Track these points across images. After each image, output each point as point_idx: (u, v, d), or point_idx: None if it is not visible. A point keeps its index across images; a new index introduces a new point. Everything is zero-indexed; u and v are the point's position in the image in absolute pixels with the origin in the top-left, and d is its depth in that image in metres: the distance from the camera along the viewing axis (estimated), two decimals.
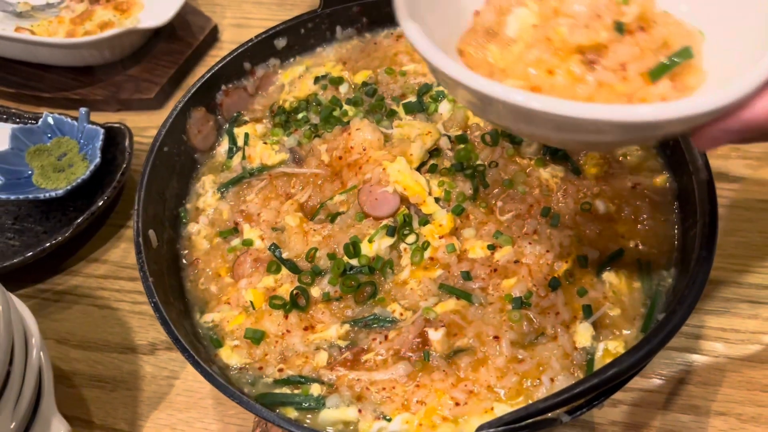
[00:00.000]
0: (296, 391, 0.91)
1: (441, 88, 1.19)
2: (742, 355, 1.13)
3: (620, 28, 0.71)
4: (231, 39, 1.78)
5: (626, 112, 0.61)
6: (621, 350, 0.90)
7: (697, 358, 1.13)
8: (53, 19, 1.68)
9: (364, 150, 1.09)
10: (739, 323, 1.17)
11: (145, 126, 1.58)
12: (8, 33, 1.58)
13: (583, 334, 0.90)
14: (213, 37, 1.77)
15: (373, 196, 1.02)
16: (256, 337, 0.96)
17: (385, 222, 1.01)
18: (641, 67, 0.69)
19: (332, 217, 1.05)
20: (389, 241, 1.00)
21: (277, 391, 0.92)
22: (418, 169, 1.08)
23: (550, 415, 0.76)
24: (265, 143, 1.19)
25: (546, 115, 0.62)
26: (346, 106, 1.19)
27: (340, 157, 1.11)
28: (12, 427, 0.91)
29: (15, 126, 1.44)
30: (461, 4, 0.80)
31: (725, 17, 0.73)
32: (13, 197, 1.31)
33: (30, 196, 1.32)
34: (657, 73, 0.69)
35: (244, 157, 1.18)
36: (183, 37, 1.70)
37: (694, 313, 1.15)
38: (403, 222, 1.01)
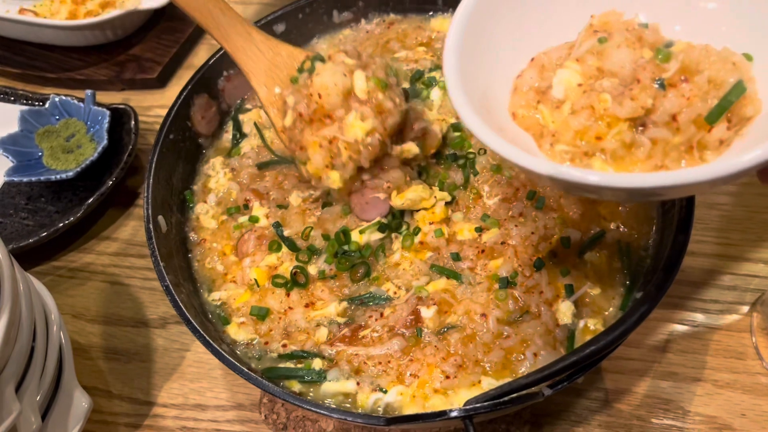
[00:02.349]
0: (299, 366, 0.98)
1: (433, 74, 1.23)
2: (720, 325, 1.19)
3: (662, 84, 0.73)
4: None
5: (654, 179, 0.63)
6: (600, 327, 0.96)
7: (677, 328, 1.20)
8: None
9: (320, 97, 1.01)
10: (719, 294, 1.23)
11: (149, 105, 1.63)
12: (13, 15, 1.61)
13: (565, 312, 0.96)
14: None
15: (364, 199, 1.06)
16: (261, 314, 1.03)
17: (377, 219, 1.06)
18: (691, 115, 0.71)
19: (323, 204, 1.11)
20: (380, 234, 1.05)
21: (282, 365, 0.98)
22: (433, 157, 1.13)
23: (533, 389, 0.83)
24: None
25: (596, 188, 0.66)
26: None
27: (301, 114, 1.03)
28: (38, 399, 0.98)
29: (24, 108, 1.48)
30: (509, 64, 0.83)
31: (764, 36, 0.73)
32: (25, 179, 1.37)
33: (42, 177, 1.37)
34: (713, 117, 0.70)
35: (265, 143, 1.22)
36: (183, 15, 1.72)
37: (677, 285, 1.23)
38: (393, 219, 1.06)
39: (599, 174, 0.67)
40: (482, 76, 0.80)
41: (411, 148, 1.06)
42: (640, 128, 0.73)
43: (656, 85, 0.73)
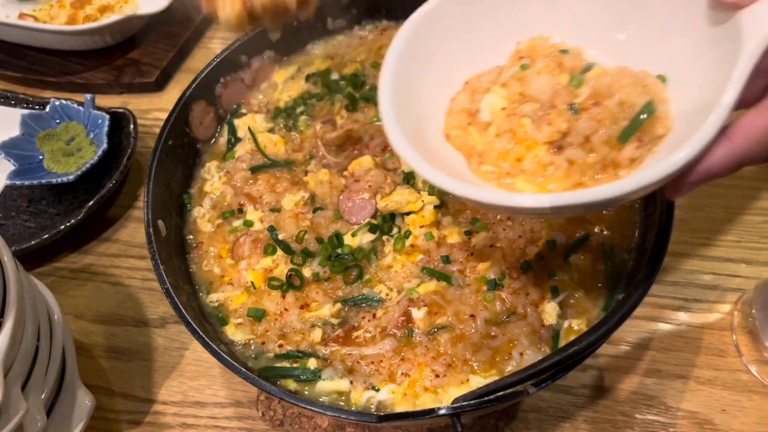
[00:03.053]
0: (295, 365, 1.01)
1: None
2: (702, 323, 1.23)
3: (574, 108, 0.78)
4: None
5: (568, 198, 0.68)
6: (584, 327, 0.99)
7: (661, 326, 1.23)
8: (54, 2, 1.74)
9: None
10: (702, 294, 1.26)
11: (148, 108, 1.66)
12: (13, 20, 1.64)
13: (550, 312, 0.99)
14: (209, 19, 1.81)
15: (351, 202, 1.10)
16: (257, 316, 1.06)
17: (368, 220, 1.10)
18: (603, 137, 0.75)
19: (314, 209, 1.14)
20: (371, 236, 1.09)
21: (278, 365, 1.02)
22: None
23: (518, 387, 0.86)
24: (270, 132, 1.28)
25: (501, 208, 0.72)
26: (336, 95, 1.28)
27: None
28: (43, 397, 1.01)
29: (25, 112, 1.51)
30: (446, 88, 0.89)
31: (681, 59, 0.77)
32: (27, 183, 1.40)
33: (43, 181, 1.41)
34: (624, 137, 0.75)
35: (258, 147, 1.25)
36: (181, 19, 1.77)
37: (661, 285, 1.26)
38: (383, 222, 1.09)
39: (497, 194, 0.72)
40: (419, 100, 0.85)
41: None
42: (558, 150, 0.78)
43: (570, 110, 0.78)
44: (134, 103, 1.67)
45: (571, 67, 0.83)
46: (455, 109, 0.87)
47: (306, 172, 1.19)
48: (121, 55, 1.71)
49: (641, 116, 0.75)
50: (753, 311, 1.16)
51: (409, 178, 1.13)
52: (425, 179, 0.74)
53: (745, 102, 0.69)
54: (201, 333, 0.96)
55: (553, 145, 0.78)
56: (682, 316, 1.24)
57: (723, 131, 0.66)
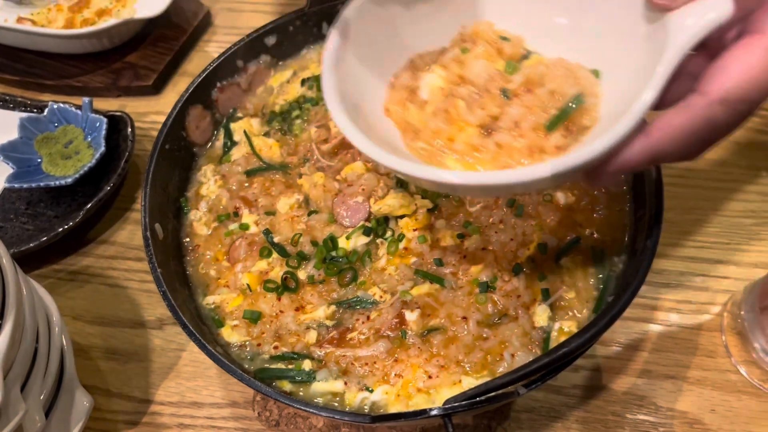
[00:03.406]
0: (290, 366, 1.02)
1: None
2: (692, 324, 1.24)
3: (506, 94, 0.81)
4: (224, 24, 1.85)
5: (484, 178, 0.73)
6: (574, 329, 1.00)
7: (652, 327, 1.25)
8: (52, 6, 1.75)
9: None
10: (692, 295, 1.28)
11: (145, 111, 1.67)
12: (11, 24, 1.65)
13: (541, 315, 1.01)
14: (206, 22, 1.83)
15: (346, 206, 1.12)
16: (253, 318, 1.07)
17: (362, 223, 1.11)
18: (532, 124, 0.79)
19: (309, 212, 1.15)
20: (365, 239, 1.10)
21: (273, 366, 1.03)
22: None
23: (508, 388, 0.88)
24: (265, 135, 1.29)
25: (427, 183, 0.76)
26: None
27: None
28: (42, 398, 1.02)
29: (23, 116, 1.52)
30: (392, 63, 0.92)
31: (616, 56, 0.80)
32: (25, 186, 1.41)
33: (41, 184, 1.42)
34: (552, 126, 0.78)
35: (254, 151, 1.26)
36: (177, 23, 1.78)
37: (651, 287, 1.28)
38: (377, 225, 1.11)
39: (425, 169, 0.76)
40: (363, 73, 0.88)
41: None
42: (488, 133, 0.82)
43: (502, 95, 0.82)
44: (131, 106, 1.68)
45: (510, 54, 0.88)
46: (397, 84, 0.90)
47: (300, 175, 1.20)
48: (118, 59, 1.72)
49: (570, 106, 0.79)
50: (742, 312, 1.18)
51: (402, 182, 1.14)
52: (359, 149, 0.77)
53: (670, 101, 0.72)
54: (197, 335, 0.97)
55: (484, 128, 0.82)
56: (673, 318, 1.26)
57: (642, 127, 0.69)
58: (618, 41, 0.81)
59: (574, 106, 0.79)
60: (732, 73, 0.66)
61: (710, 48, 0.73)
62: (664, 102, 0.72)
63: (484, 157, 0.80)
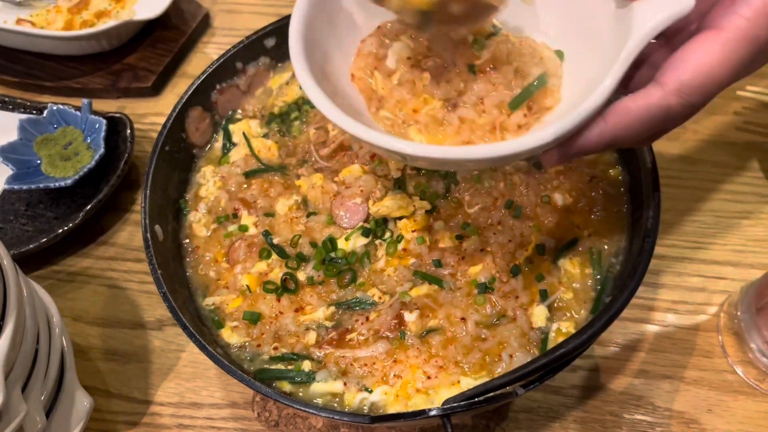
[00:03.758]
0: (290, 367, 1.03)
1: None
2: (689, 325, 1.25)
3: (473, 69, 0.82)
4: (223, 25, 1.85)
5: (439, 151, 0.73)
6: (572, 330, 1.01)
7: (649, 328, 1.26)
8: (51, 8, 1.75)
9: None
10: (689, 296, 1.29)
11: (144, 113, 1.68)
12: (10, 26, 1.66)
13: (539, 315, 1.01)
14: (205, 23, 1.84)
15: (344, 208, 1.12)
16: (253, 319, 1.08)
17: (361, 224, 1.12)
18: (495, 100, 0.80)
19: (308, 214, 1.16)
20: (364, 240, 1.11)
21: (273, 367, 1.03)
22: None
23: (507, 389, 0.88)
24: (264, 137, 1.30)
25: (387, 151, 0.75)
26: None
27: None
28: (42, 399, 1.03)
29: (23, 117, 1.53)
30: (358, 28, 0.91)
31: (581, 39, 0.82)
32: (25, 187, 1.42)
33: (41, 185, 1.42)
34: (515, 104, 0.80)
35: (252, 152, 1.27)
36: (177, 24, 1.78)
37: (649, 288, 1.29)
38: (376, 226, 1.12)
39: (386, 138, 0.75)
40: (331, 37, 0.87)
41: None
42: (452, 107, 0.83)
43: (469, 71, 0.83)
44: (131, 107, 1.69)
45: (478, 29, 0.88)
46: (364, 51, 0.90)
47: (298, 176, 1.21)
48: (117, 60, 1.73)
49: (533, 85, 0.80)
50: (738, 313, 1.19)
51: (400, 184, 1.15)
52: (321, 112, 0.77)
53: (632, 88, 0.76)
54: (198, 336, 0.98)
55: (449, 102, 0.83)
56: (670, 318, 1.27)
57: (601, 112, 0.71)
58: (584, 25, 0.82)
59: (536, 84, 0.80)
60: (689, 66, 0.69)
61: (672, 40, 0.77)
62: (626, 88, 0.76)
63: (447, 131, 0.81)
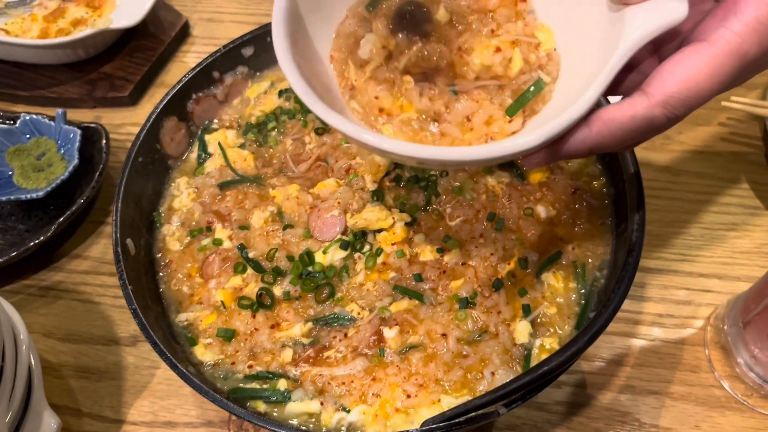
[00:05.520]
0: (265, 386, 1.00)
1: None
2: (675, 339, 1.23)
3: (455, 91, 0.79)
4: (202, 34, 1.83)
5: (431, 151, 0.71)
6: (556, 346, 0.99)
7: (635, 342, 1.24)
8: (26, 16, 1.72)
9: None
10: (675, 309, 1.27)
11: (121, 123, 1.64)
12: None
13: (522, 331, 0.99)
14: (184, 32, 1.81)
15: (321, 221, 1.09)
16: (227, 336, 1.05)
17: (339, 236, 1.09)
18: (484, 117, 0.78)
19: (285, 227, 1.13)
20: (342, 253, 1.08)
21: (248, 386, 1.00)
22: (385, 176, 1.17)
23: (488, 408, 0.86)
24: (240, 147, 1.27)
25: (372, 149, 0.72)
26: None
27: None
28: (7, 420, 0.99)
29: None
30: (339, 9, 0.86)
31: (574, 39, 0.80)
32: None
33: (12, 197, 1.38)
34: (511, 112, 0.78)
35: (228, 163, 1.24)
36: (155, 33, 1.75)
37: (634, 301, 1.27)
38: (354, 239, 1.09)
39: (375, 137, 0.72)
40: (314, 19, 0.82)
41: None
42: (434, 121, 0.79)
43: (450, 91, 0.79)
44: (107, 117, 1.65)
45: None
46: (341, 31, 0.84)
47: (273, 186, 1.18)
48: (94, 69, 1.69)
49: (530, 91, 0.78)
50: (725, 327, 1.17)
51: (378, 195, 1.12)
52: (299, 98, 0.73)
53: (620, 92, 0.76)
54: (169, 354, 0.94)
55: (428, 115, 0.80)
56: (656, 332, 1.25)
57: (586, 118, 0.71)
58: (578, 25, 0.80)
59: (533, 90, 0.78)
60: (676, 78, 0.68)
61: (661, 48, 0.77)
62: (613, 92, 0.75)
63: (424, 137, 0.78)
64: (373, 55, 0.80)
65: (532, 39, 0.80)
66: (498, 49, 0.78)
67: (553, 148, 0.74)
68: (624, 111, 0.71)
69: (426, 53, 0.79)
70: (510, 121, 0.77)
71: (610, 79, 0.70)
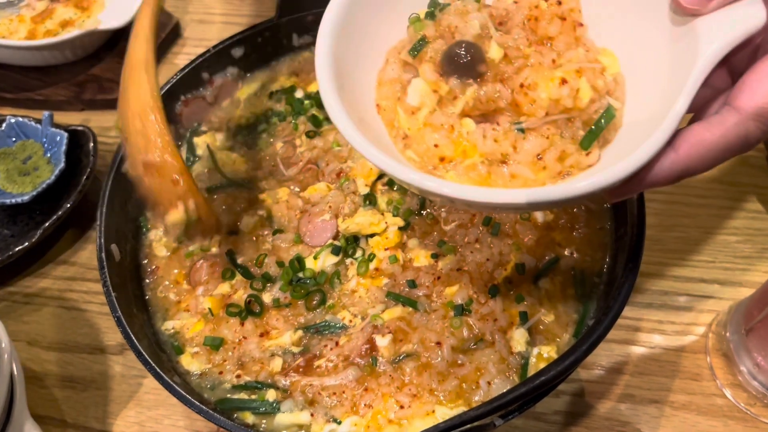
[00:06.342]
0: (253, 397, 0.97)
1: None
2: (676, 346, 1.21)
3: (521, 129, 0.73)
4: (193, 35, 1.80)
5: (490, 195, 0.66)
6: (554, 355, 0.96)
7: (635, 350, 1.21)
8: (14, 17, 1.68)
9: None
10: (675, 316, 1.24)
11: (109, 126, 1.61)
12: None
13: (519, 339, 0.97)
14: (175, 33, 1.78)
15: (312, 225, 1.07)
16: (215, 344, 1.02)
17: (330, 241, 1.06)
18: (555, 154, 0.72)
19: (274, 231, 1.11)
20: (334, 259, 1.05)
21: (236, 396, 0.98)
22: (377, 180, 1.14)
23: (484, 420, 0.83)
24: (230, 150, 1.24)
25: (438, 197, 0.67)
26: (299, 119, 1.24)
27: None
28: None
29: None
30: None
31: (638, 58, 0.75)
32: None
33: None
34: (586, 144, 0.72)
35: (216, 166, 1.21)
36: None
37: (634, 307, 1.24)
38: (346, 244, 1.06)
39: (453, 186, 0.67)
40: (356, 65, 0.78)
41: None
42: (501, 162, 0.73)
43: (515, 130, 0.73)
44: (95, 120, 1.62)
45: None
46: (384, 79, 0.80)
47: (263, 190, 1.15)
48: (82, 71, 1.66)
49: (602, 121, 0.72)
50: (727, 334, 1.14)
51: (371, 199, 1.09)
52: (358, 151, 0.69)
53: (691, 111, 0.69)
54: (153, 364, 0.92)
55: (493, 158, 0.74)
56: (656, 339, 1.22)
57: (669, 141, 0.65)
58: (640, 43, 0.75)
59: (606, 118, 0.72)
60: (766, 88, 0.64)
61: (731, 58, 0.70)
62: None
63: (495, 181, 0.72)
64: (423, 102, 0.76)
65: (596, 64, 0.75)
66: (564, 81, 0.72)
67: (639, 177, 0.67)
68: (713, 130, 0.65)
69: (484, 94, 0.74)
70: (587, 154, 0.72)
71: (692, 96, 0.65)
